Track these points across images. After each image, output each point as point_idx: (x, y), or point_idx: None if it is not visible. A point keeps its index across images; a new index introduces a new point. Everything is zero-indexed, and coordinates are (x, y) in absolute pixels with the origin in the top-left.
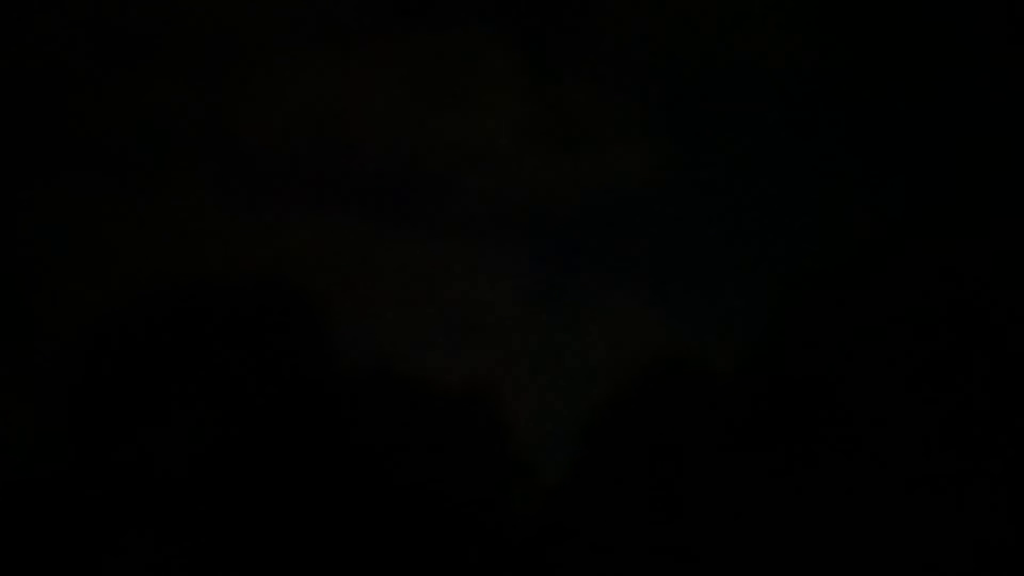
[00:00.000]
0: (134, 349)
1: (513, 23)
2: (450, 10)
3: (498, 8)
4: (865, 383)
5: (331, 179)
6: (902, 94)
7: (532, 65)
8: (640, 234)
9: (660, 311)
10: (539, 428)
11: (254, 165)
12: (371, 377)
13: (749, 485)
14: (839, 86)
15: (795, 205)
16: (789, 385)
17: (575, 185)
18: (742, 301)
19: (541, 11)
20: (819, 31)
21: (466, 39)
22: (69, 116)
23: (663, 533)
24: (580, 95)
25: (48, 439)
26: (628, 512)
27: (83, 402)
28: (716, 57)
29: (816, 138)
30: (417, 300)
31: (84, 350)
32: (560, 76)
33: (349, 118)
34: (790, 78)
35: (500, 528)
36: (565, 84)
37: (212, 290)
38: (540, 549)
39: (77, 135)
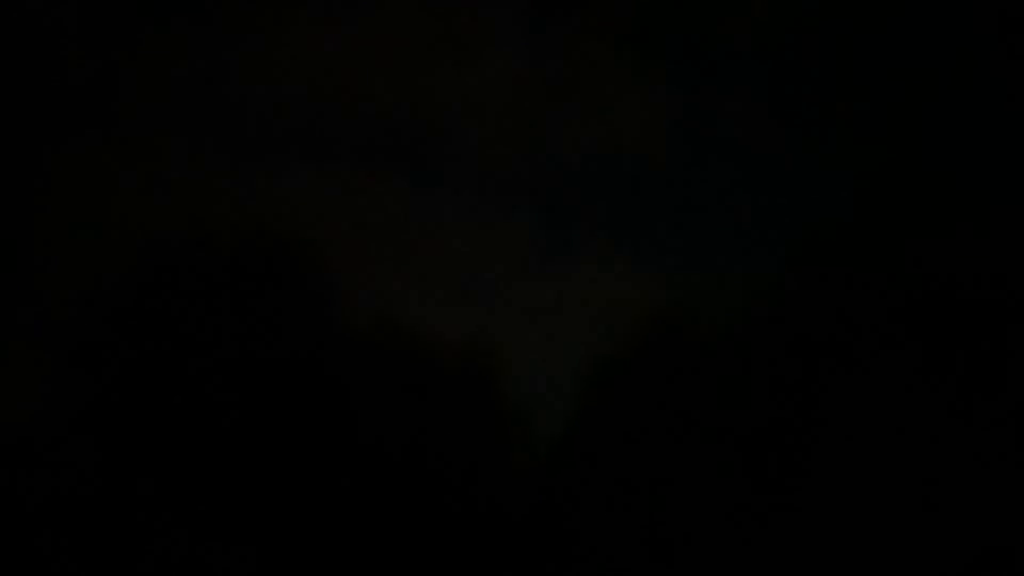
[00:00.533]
0: (134, 305)
1: None
2: None
3: None
4: (861, 345)
5: (329, 133)
6: (909, 55)
7: (534, 17)
8: (641, 191)
9: (659, 269)
10: (537, 384)
11: (251, 119)
12: (369, 332)
13: (744, 442)
14: (846, 47)
15: (798, 167)
16: (785, 344)
17: (576, 140)
18: (741, 261)
19: None
20: None
21: None
22: (65, 75)
23: (660, 487)
24: (583, 48)
25: (52, 398)
26: (625, 467)
27: (85, 360)
28: (724, 12)
29: (823, 100)
30: (416, 255)
31: (85, 308)
32: (563, 29)
33: (347, 71)
34: (797, 37)
35: (497, 482)
36: (568, 37)
37: (209, 245)
38: (537, 503)
39: (75, 92)
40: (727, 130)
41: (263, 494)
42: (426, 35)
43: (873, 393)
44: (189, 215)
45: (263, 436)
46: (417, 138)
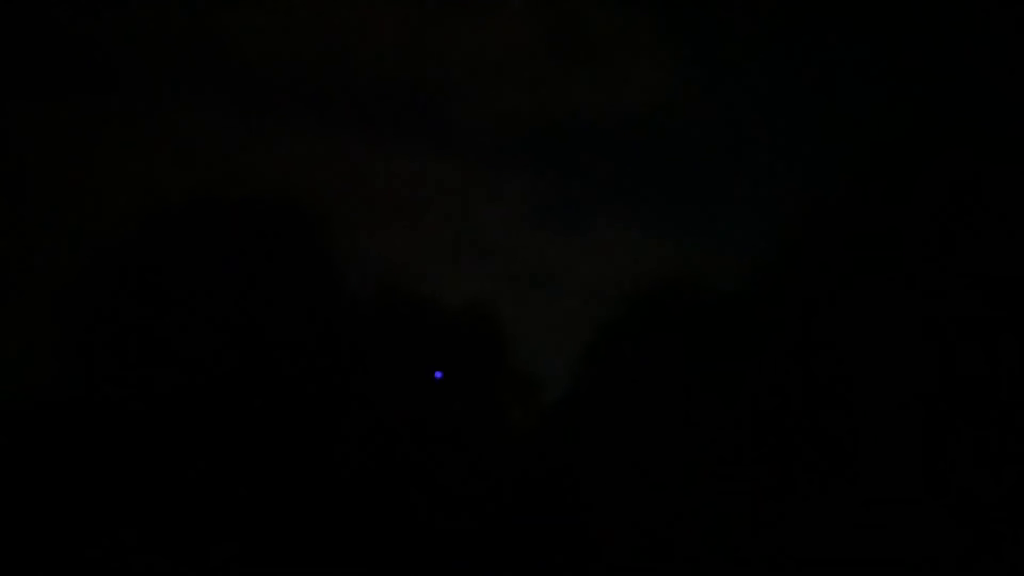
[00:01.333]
0: (141, 266)
1: None
2: None
3: None
4: (868, 307)
5: (334, 96)
6: (922, 23)
7: None
8: (648, 155)
9: (664, 233)
10: (541, 346)
11: (256, 84)
12: (373, 293)
13: (748, 404)
14: (860, 16)
15: (807, 131)
16: (791, 308)
17: (585, 104)
18: (747, 226)
19: None
20: None
21: None
22: (72, 38)
23: (661, 450)
24: (593, 11)
25: (59, 360)
26: (627, 432)
27: (92, 322)
28: None
29: (834, 68)
30: (421, 217)
31: (92, 269)
32: None
33: (354, 33)
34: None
35: (500, 443)
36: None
37: (214, 208)
38: (539, 464)
39: (81, 56)
40: (736, 93)
41: (271, 455)
42: None
43: (883, 363)
44: (193, 182)
45: (268, 398)
46: (424, 101)
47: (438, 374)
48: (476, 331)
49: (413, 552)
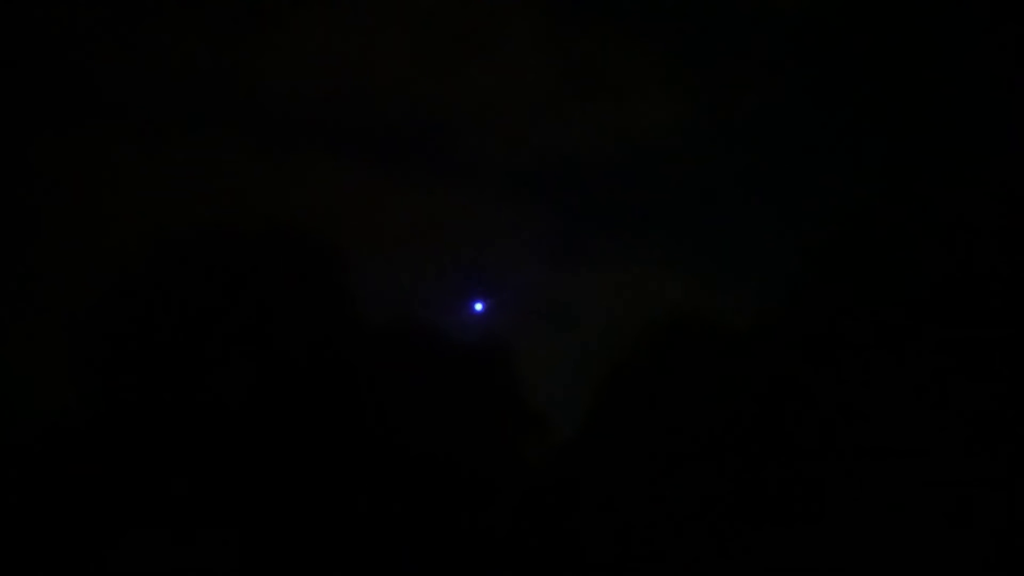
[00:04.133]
0: (153, 296)
1: None
2: None
3: None
4: (883, 347)
5: (350, 130)
6: (936, 58)
7: (556, 16)
8: (661, 191)
9: (678, 269)
10: (554, 385)
11: (271, 115)
12: (386, 329)
13: (762, 443)
14: (872, 48)
15: (821, 168)
16: (805, 347)
17: (596, 139)
18: (762, 262)
19: None
20: None
21: None
22: (87, 69)
23: (675, 490)
24: (604, 47)
25: (75, 387)
26: (640, 469)
27: (104, 353)
28: (745, 12)
29: (848, 102)
30: (435, 253)
31: (106, 300)
32: (584, 26)
33: (369, 67)
34: (820, 37)
35: (513, 482)
36: (589, 35)
37: (228, 239)
38: (552, 503)
39: (95, 86)
40: (747, 129)
41: (278, 489)
42: (445, 32)
43: (889, 394)
44: (208, 210)
45: (279, 431)
46: (437, 134)
47: (478, 305)
48: (489, 365)
49: None
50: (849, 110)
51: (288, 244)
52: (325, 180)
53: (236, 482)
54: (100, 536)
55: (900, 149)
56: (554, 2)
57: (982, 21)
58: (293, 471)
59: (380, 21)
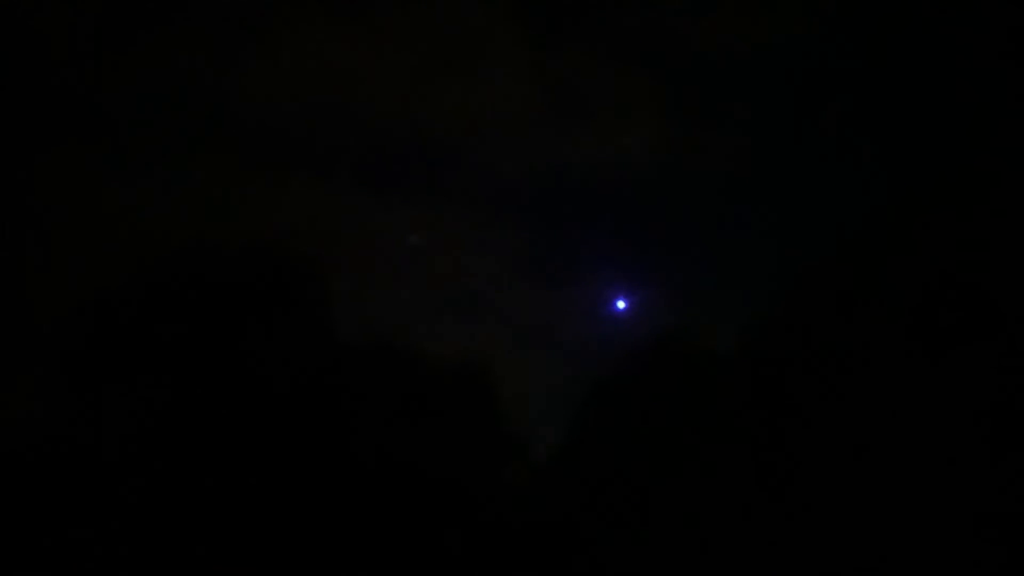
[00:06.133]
0: (135, 319)
1: None
2: None
3: None
4: (866, 368)
5: (333, 150)
6: (909, 82)
7: (537, 38)
8: (642, 213)
9: (659, 291)
10: (534, 406)
11: (257, 135)
12: (368, 349)
13: (743, 467)
14: (849, 73)
15: (800, 190)
16: (788, 370)
17: (579, 161)
18: (743, 285)
19: None
20: (829, 16)
21: (470, 11)
22: (71, 89)
23: (653, 513)
24: (586, 70)
25: (51, 405)
26: (619, 491)
27: (86, 371)
28: (725, 37)
29: (825, 127)
30: (417, 273)
31: (88, 320)
32: (565, 50)
33: (351, 89)
34: (798, 62)
35: (491, 503)
36: (570, 58)
37: (212, 258)
38: (530, 525)
39: (78, 106)
40: (726, 151)
41: (259, 508)
42: (429, 53)
43: (872, 412)
44: (193, 228)
45: (260, 450)
46: (421, 154)
47: (620, 303)
48: (468, 387)
49: None
50: (827, 135)
51: (271, 261)
52: (308, 199)
53: (213, 496)
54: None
55: (877, 175)
56: (536, 25)
57: (958, 50)
58: (271, 487)
59: (365, 43)
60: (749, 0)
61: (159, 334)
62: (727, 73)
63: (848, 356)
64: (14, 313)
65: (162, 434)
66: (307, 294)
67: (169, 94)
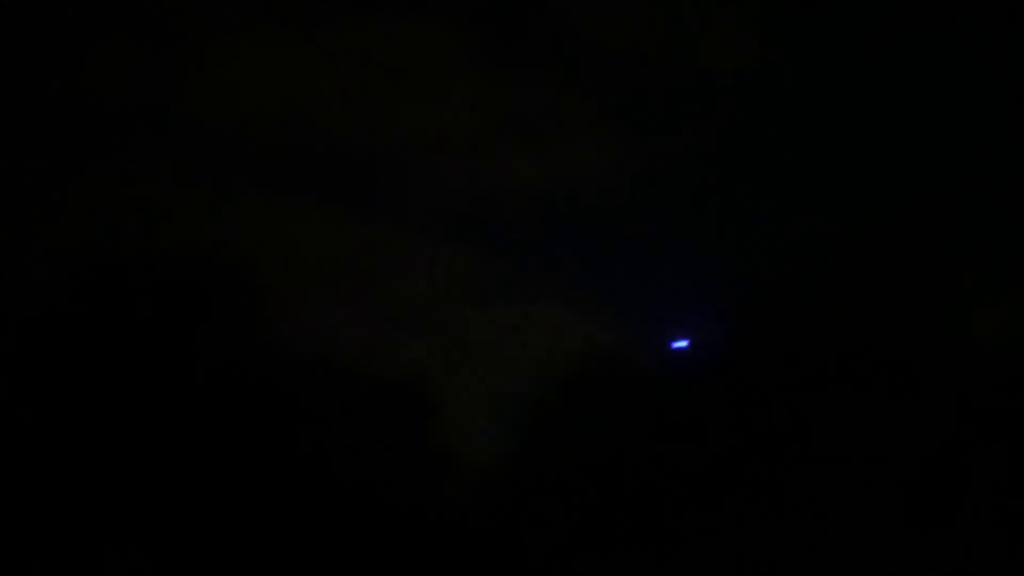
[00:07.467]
0: (68, 327)
1: (473, 16)
2: (411, 1)
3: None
4: (801, 390)
5: (281, 163)
6: (857, 99)
7: (489, 53)
8: (585, 234)
9: (601, 310)
10: (473, 421)
11: (200, 143)
12: (308, 362)
13: (682, 482)
14: (798, 96)
15: (744, 213)
16: (725, 386)
17: (528, 181)
18: (685, 304)
19: (502, 6)
20: (777, 36)
21: (425, 30)
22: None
23: (591, 527)
24: (537, 92)
25: None
26: (557, 505)
27: (12, 381)
28: (675, 61)
29: (772, 148)
30: (360, 288)
31: (17, 328)
32: (518, 71)
33: (303, 104)
34: (747, 87)
35: (428, 519)
36: (523, 79)
37: (152, 266)
38: (468, 540)
39: (12, 106)
40: (672, 177)
41: (185, 521)
42: (380, 68)
43: (814, 439)
44: (131, 235)
45: (190, 462)
46: (366, 170)
47: (680, 343)
48: (405, 403)
49: None
50: (776, 156)
51: (209, 271)
52: (250, 210)
53: (139, 506)
54: None
55: (822, 194)
56: (489, 45)
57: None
58: (200, 500)
59: (314, 56)
60: (696, 25)
61: (89, 341)
62: (675, 97)
63: (783, 374)
64: None
65: (89, 443)
66: (246, 306)
67: (111, 100)
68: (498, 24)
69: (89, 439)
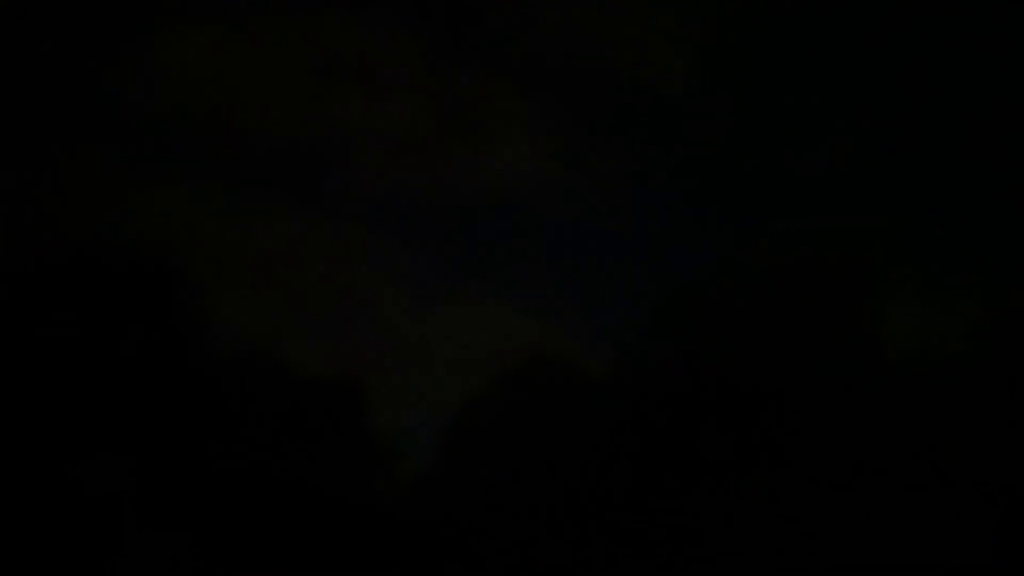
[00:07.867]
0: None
1: (414, 12)
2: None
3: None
4: (737, 391)
5: (222, 160)
6: (786, 105)
7: (431, 53)
8: (526, 234)
9: (539, 311)
10: (408, 420)
11: (132, 136)
12: (242, 360)
13: (615, 482)
14: (734, 102)
15: (680, 216)
16: (660, 388)
17: (464, 181)
18: (621, 306)
19: (449, 6)
20: (712, 47)
21: (364, 24)
22: None
23: (525, 525)
24: (480, 92)
25: None
26: (490, 504)
27: None
28: (616, 63)
29: (707, 152)
30: (295, 285)
31: None
32: (461, 70)
33: (236, 96)
34: (685, 91)
35: (363, 515)
36: (466, 79)
37: (84, 259)
38: (402, 537)
39: None
40: (618, 177)
41: (121, 518)
42: (322, 66)
43: (751, 440)
44: (64, 227)
45: (124, 461)
46: (305, 166)
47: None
48: (341, 400)
49: None
50: (714, 158)
51: (142, 266)
52: (185, 205)
53: (75, 502)
54: None
55: (759, 199)
56: (433, 43)
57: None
58: (134, 498)
59: (254, 48)
60: (641, 26)
61: (16, 336)
62: (623, 98)
63: (721, 375)
64: None
65: (17, 441)
66: (179, 301)
67: (49, 90)
68: (445, 24)
69: (16, 436)
